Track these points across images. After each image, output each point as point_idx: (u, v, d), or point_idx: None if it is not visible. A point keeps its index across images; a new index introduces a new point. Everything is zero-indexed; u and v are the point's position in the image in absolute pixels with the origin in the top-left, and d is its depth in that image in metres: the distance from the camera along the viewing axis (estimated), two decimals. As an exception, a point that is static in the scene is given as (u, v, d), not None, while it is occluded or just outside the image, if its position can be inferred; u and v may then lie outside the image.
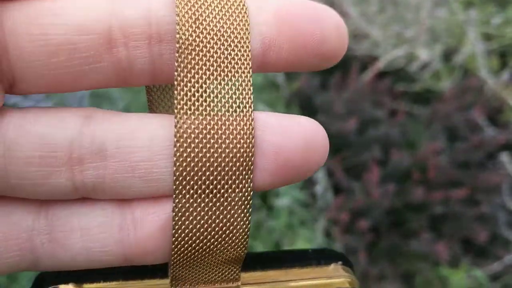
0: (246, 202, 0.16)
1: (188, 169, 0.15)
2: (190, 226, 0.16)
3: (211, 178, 0.15)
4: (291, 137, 0.16)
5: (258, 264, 0.20)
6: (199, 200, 0.16)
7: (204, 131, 0.15)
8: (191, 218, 0.16)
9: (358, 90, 0.96)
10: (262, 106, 0.91)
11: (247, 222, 0.16)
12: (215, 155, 0.15)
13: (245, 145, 0.15)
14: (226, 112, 0.15)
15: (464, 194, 0.92)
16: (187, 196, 0.15)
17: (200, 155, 0.15)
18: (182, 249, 0.16)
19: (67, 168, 0.15)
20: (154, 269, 0.19)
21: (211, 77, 0.15)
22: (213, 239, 0.16)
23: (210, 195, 0.16)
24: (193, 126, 0.15)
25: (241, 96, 0.16)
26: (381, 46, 0.99)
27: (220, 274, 0.18)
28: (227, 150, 0.15)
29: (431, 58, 1.00)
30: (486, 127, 0.98)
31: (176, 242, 0.16)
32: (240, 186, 0.16)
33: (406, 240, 0.94)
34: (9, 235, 0.15)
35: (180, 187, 0.15)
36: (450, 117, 0.98)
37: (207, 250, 0.16)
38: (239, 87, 0.16)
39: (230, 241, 0.16)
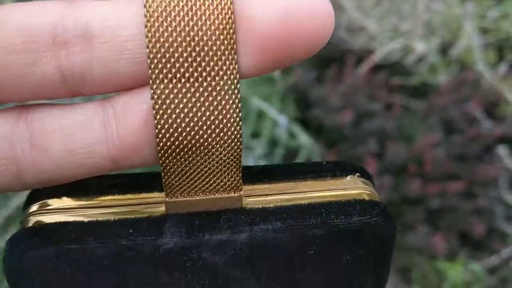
0: (233, 88, 0.14)
1: (163, 50, 0.14)
2: (174, 116, 0.14)
3: (190, 60, 0.14)
4: (273, 7, 0.14)
5: (265, 177, 0.18)
6: (179, 85, 0.14)
7: (177, 8, 0.14)
8: (173, 106, 0.14)
9: (354, 83, 0.95)
10: (257, 100, 0.91)
11: (237, 112, 0.15)
12: (192, 33, 0.14)
13: (224, 21, 0.14)
14: None
15: (461, 187, 0.92)
16: (165, 81, 0.14)
17: (174, 34, 0.14)
18: (169, 145, 0.15)
19: (52, 53, 0.14)
20: (151, 183, 0.18)
21: None
22: (201, 132, 0.15)
23: (192, 80, 0.14)
24: (164, 4, 0.14)
25: None
26: (377, 39, 0.98)
27: (217, 181, 0.16)
28: (204, 28, 0.14)
29: (427, 51, 1.00)
30: (483, 120, 0.97)
31: (161, 136, 0.15)
32: (224, 68, 0.14)
33: (402, 234, 0.93)
34: None
35: (157, 71, 0.14)
36: (447, 110, 0.97)
37: (197, 146, 0.15)
38: None
39: (222, 134, 0.15)
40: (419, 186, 0.91)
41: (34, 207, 0.17)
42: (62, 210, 0.17)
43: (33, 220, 0.17)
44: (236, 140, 0.15)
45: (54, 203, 0.17)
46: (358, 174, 0.18)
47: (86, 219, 0.17)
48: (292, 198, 0.17)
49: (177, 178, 0.16)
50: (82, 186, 0.17)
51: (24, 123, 0.15)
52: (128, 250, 0.16)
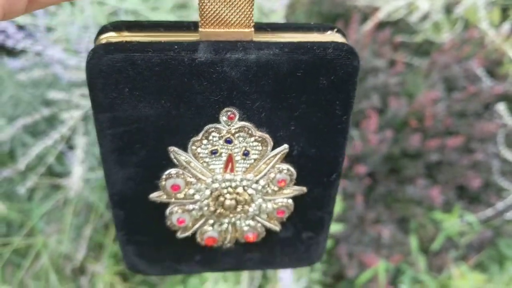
0: None
1: None
2: None
3: None
4: None
5: (269, 28, 0.25)
6: None
7: None
8: None
9: (359, 40, 0.97)
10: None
11: None
12: None
13: None
14: None
15: (460, 142, 0.94)
16: None
17: None
18: None
19: None
20: (188, 26, 0.24)
21: None
22: None
23: None
24: None
25: None
26: (383, -3, 1.00)
27: (236, 15, 0.23)
28: None
29: (431, 9, 1.01)
30: (484, 78, 0.99)
31: None
32: None
33: (402, 186, 0.97)
34: None
35: None
36: (449, 67, 0.99)
37: None
38: None
39: None
40: (419, 140, 0.93)
41: (103, 36, 0.24)
42: (125, 36, 0.24)
43: (105, 40, 0.23)
44: None
45: (118, 34, 0.24)
46: (336, 29, 0.26)
47: (144, 39, 0.23)
48: (289, 38, 0.25)
49: (209, 9, 0.22)
50: (138, 25, 0.24)
51: None
52: (173, 60, 0.23)
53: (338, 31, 0.26)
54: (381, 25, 1.03)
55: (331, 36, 0.25)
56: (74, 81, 0.78)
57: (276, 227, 0.31)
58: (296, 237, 0.32)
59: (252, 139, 0.27)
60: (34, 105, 0.80)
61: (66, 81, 0.77)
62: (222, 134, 0.26)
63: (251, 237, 0.31)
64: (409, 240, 0.94)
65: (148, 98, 0.24)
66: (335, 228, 0.86)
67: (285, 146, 0.27)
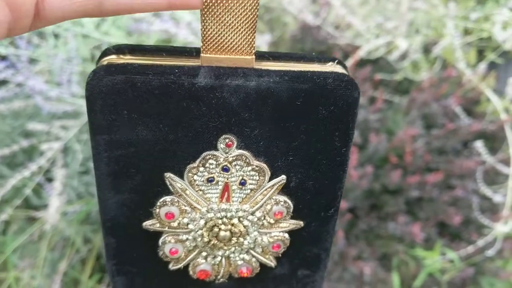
0: None
1: None
2: None
3: None
4: None
5: (270, 57, 0.25)
6: None
7: None
8: None
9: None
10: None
11: None
12: None
13: None
14: None
15: (439, 179, 0.95)
16: None
17: None
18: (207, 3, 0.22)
19: None
20: (190, 52, 0.25)
21: None
22: None
23: None
24: None
25: None
26: (363, 36, 1.02)
27: (238, 42, 0.23)
28: None
29: (410, 48, 1.04)
30: (462, 116, 1.01)
31: None
32: None
33: (383, 222, 0.97)
34: None
35: None
36: (428, 105, 1.01)
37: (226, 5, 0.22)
38: None
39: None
40: (400, 177, 0.94)
41: (105, 58, 0.24)
42: (127, 59, 0.24)
43: (106, 62, 0.24)
44: (254, 4, 0.22)
45: (120, 57, 0.24)
46: (337, 61, 0.26)
47: (145, 62, 0.24)
48: (290, 67, 0.25)
49: (211, 35, 0.23)
50: (140, 49, 0.25)
51: None
52: (173, 84, 0.23)
53: (339, 62, 0.26)
54: (362, 63, 1.05)
55: (332, 67, 0.25)
56: (54, 112, 0.78)
57: (271, 262, 0.31)
58: (291, 274, 0.32)
59: (250, 168, 0.26)
60: (13, 136, 0.80)
61: (47, 112, 0.77)
62: (219, 162, 0.26)
63: (245, 272, 0.31)
64: (391, 278, 0.93)
65: (146, 121, 0.24)
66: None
67: (283, 177, 0.27)
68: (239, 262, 0.31)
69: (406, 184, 0.95)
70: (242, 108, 0.24)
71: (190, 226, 0.28)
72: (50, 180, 0.80)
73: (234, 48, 0.23)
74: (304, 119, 0.25)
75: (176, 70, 0.23)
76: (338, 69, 0.25)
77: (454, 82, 1.09)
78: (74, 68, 0.77)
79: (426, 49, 1.10)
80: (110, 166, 0.26)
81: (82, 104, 0.77)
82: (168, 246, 0.29)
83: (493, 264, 0.99)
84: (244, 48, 0.23)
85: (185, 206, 0.28)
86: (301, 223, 0.29)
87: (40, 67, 0.81)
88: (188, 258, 0.30)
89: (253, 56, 0.24)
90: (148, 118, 0.24)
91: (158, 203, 0.27)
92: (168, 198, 0.27)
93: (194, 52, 0.25)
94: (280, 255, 0.31)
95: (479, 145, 0.97)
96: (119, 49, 0.24)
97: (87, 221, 0.89)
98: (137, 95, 0.23)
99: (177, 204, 0.27)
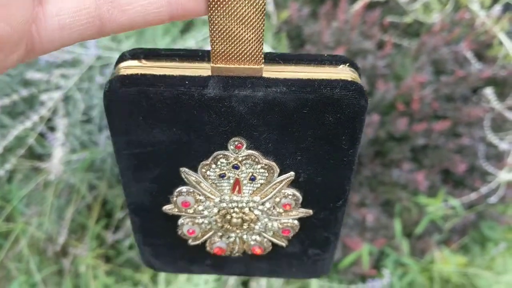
0: None
1: None
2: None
3: None
4: None
5: (281, 59, 0.26)
6: None
7: None
8: None
9: (348, 20, 0.95)
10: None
11: None
12: None
13: None
14: None
15: (446, 127, 0.94)
16: None
17: None
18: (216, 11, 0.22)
19: None
20: (202, 57, 0.25)
21: None
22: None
23: None
24: None
25: None
26: (373, -24, 0.97)
27: (247, 51, 0.23)
28: None
29: (422, -10, 0.99)
30: (473, 62, 0.98)
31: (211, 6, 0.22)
32: None
33: (387, 169, 0.97)
34: (80, 7, 0.20)
35: None
36: (438, 50, 0.98)
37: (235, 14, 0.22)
38: None
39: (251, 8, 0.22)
40: (406, 124, 0.93)
41: (122, 64, 0.25)
42: (141, 68, 0.25)
43: (122, 72, 0.25)
44: (261, 13, 0.22)
45: (136, 62, 0.25)
46: (348, 64, 0.26)
47: (157, 73, 0.25)
48: (297, 74, 0.25)
49: (220, 47, 0.23)
50: (154, 54, 0.25)
51: None
52: (184, 95, 0.24)
53: (351, 65, 0.26)
54: (371, 6, 1.00)
55: (343, 70, 0.25)
56: (53, 61, 0.75)
57: (283, 243, 0.33)
58: (302, 252, 0.34)
59: (259, 166, 0.28)
60: (12, 85, 0.78)
61: (45, 61, 0.74)
62: (229, 161, 0.28)
63: (258, 250, 0.33)
64: (393, 224, 0.95)
65: (160, 125, 0.26)
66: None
67: (291, 173, 0.28)
68: (252, 242, 0.33)
69: (412, 131, 0.94)
70: (250, 115, 0.25)
71: (205, 213, 0.31)
72: (52, 129, 0.79)
73: (243, 58, 0.24)
74: (311, 125, 0.26)
75: (187, 82, 0.24)
76: (348, 72, 0.25)
77: (467, 25, 1.04)
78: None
79: (439, -10, 1.05)
80: (130, 161, 0.28)
81: (81, 53, 0.75)
82: (186, 227, 0.32)
83: (494, 209, 1.00)
84: (252, 58, 0.24)
85: (199, 196, 0.30)
86: (310, 211, 0.30)
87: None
88: (205, 237, 0.33)
89: (262, 66, 0.24)
90: (162, 123, 0.26)
91: (175, 193, 0.29)
92: (184, 189, 0.29)
93: (206, 57, 0.25)
94: (290, 238, 0.32)
95: (488, 91, 0.95)
96: (134, 55, 0.25)
97: (91, 169, 0.89)
98: (151, 104, 0.25)
99: (192, 194, 0.29)
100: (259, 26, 0.22)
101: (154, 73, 0.25)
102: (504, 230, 1.07)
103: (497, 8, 1.01)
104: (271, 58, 0.25)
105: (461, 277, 0.94)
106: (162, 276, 0.85)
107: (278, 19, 0.98)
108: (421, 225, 0.94)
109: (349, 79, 0.25)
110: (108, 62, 0.78)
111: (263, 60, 0.24)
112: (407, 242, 0.94)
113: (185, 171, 0.28)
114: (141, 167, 0.28)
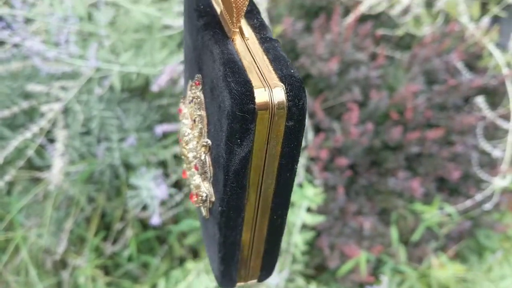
0: None
1: None
2: None
3: None
4: None
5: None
6: None
7: None
8: None
9: (341, 33, 0.97)
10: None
11: None
12: None
13: None
14: None
15: (440, 135, 0.96)
16: None
17: None
18: None
19: None
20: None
21: None
22: None
23: None
24: None
25: None
26: (364, -10, 1.00)
27: None
28: None
29: (412, 3, 1.02)
30: (464, 72, 1.01)
31: None
32: None
33: (383, 178, 0.98)
34: None
35: None
36: (429, 61, 1.00)
37: None
38: None
39: None
40: (400, 133, 0.94)
41: None
42: None
43: None
44: None
45: None
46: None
47: None
48: None
49: None
50: None
51: None
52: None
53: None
54: (363, 19, 1.03)
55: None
56: (53, 73, 0.77)
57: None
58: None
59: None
60: (12, 97, 0.79)
61: (45, 74, 0.76)
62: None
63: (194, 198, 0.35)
64: (389, 232, 0.95)
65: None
66: (317, 220, 0.86)
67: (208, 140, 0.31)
68: (191, 187, 0.35)
69: (406, 140, 0.96)
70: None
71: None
72: (52, 141, 0.80)
73: None
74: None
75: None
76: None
77: (457, 36, 1.07)
78: (71, 28, 0.76)
79: (429, 3, 1.08)
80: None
81: (80, 65, 0.76)
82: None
83: (489, 217, 1.01)
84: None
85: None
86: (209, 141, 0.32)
87: (36, 27, 0.80)
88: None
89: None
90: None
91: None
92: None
93: None
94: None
95: (480, 100, 0.97)
96: None
97: (90, 181, 0.90)
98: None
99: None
100: None
101: None
102: (500, 238, 1.07)
103: (486, 20, 1.04)
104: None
105: (459, 284, 0.94)
106: (161, 287, 0.85)
107: (272, 33, 1.00)
108: (417, 232, 0.95)
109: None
110: (107, 74, 0.80)
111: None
112: (404, 249, 0.95)
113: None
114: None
